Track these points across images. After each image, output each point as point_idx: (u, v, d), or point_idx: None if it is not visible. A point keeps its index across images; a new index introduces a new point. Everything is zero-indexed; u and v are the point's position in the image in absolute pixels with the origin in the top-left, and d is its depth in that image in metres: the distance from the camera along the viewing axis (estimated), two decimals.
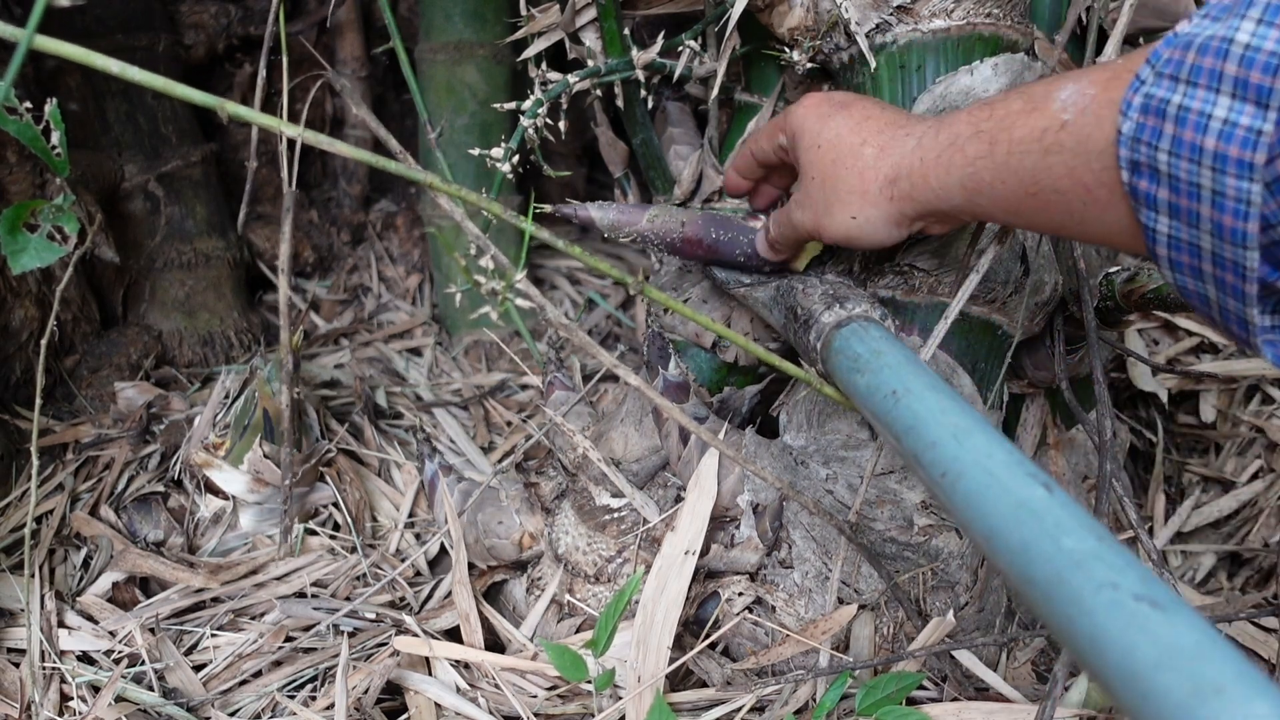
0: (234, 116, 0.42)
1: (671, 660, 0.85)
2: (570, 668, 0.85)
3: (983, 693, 0.88)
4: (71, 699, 0.93)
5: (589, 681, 0.86)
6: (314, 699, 0.94)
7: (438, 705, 0.91)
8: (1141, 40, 1.04)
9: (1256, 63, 0.35)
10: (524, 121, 0.89)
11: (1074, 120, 0.44)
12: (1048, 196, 0.47)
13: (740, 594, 0.93)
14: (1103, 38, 0.88)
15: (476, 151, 0.94)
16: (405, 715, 0.91)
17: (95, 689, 0.94)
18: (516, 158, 0.90)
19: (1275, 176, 0.36)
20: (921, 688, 0.88)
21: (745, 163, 0.80)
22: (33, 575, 1.02)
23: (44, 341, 0.78)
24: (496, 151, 0.89)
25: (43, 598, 1.02)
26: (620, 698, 0.90)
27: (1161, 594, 0.33)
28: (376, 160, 0.46)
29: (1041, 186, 0.47)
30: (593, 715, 0.88)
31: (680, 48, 0.96)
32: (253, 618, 1.05)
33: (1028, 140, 0.47)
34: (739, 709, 0.86)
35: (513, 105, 0.93)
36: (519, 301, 0.58)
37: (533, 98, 0.90)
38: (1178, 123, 0.38)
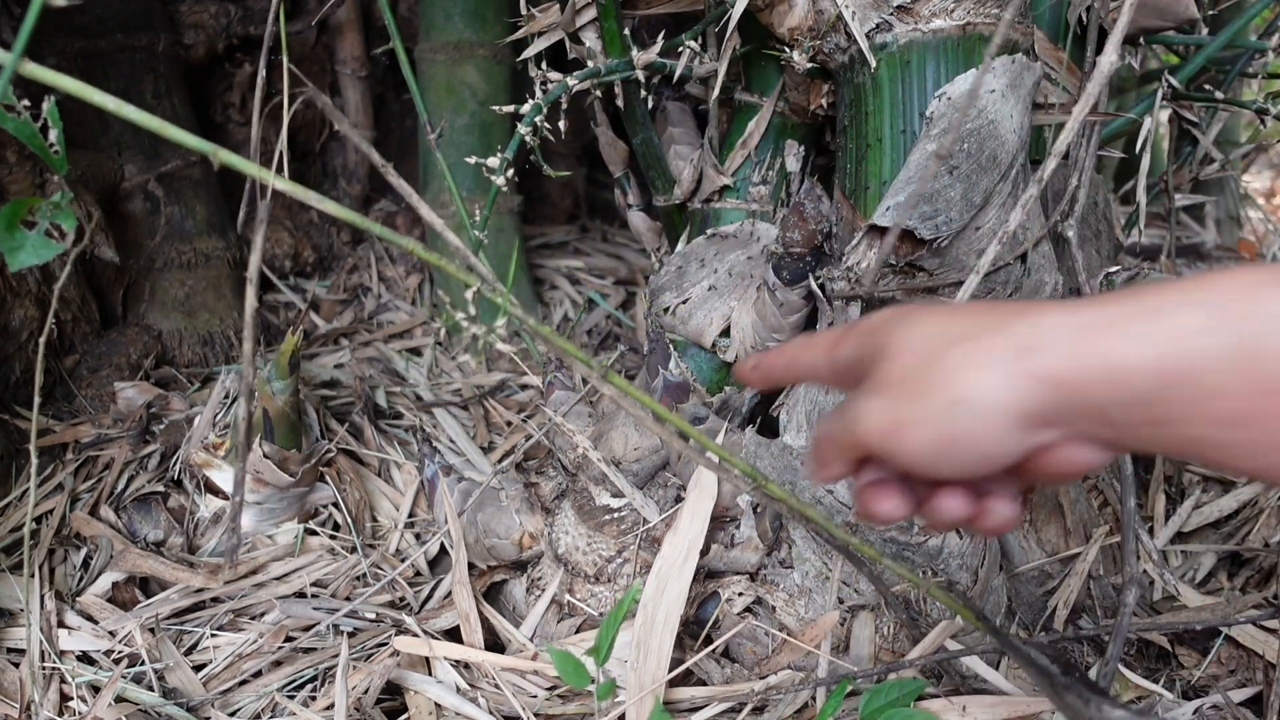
0: (225, 164, 0.41)
1: (673, 664, 0.85)
2: (573, 674, 0.85)
3: (982, 693, 0.88)
4: (71, 699, 0.93)
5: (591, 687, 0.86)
6: (314, 699, 0.94)
7: (438, 705, 0.91)
8: (1142, 40, 1.04)
9: None
10: (521, 128, 0.89)
11: None
12: None
13: (740, 594, 0.93)
14: (1103, 37, 0.88)
15: (473, 160, 0.94)
16: (405, 715, 0.91)
17: (95, 689, 0.94)
18: (511, 171, 0.90)
19: None
20: (924, 696, 0.88)
21: (781, 365, 0.54)
22: (33, 575, 1.02)
23: (43, 341, 0.78)
24: (493, 161, 0.89)
25: (43, 598, 1.02)
26: (620, 698, 0.89)
27: None
28: (362, 222, 0.46)
29: None
30: (593, 716, 0.87)
31: (680, 48, 0.96)
32: (253, 618, 1.05)
33: None
34: (737, 709, 0.86)
35: (512, 108, 0.93)
36: (500, 346, 0.57)
37: (530, 103, 0.90)
38: None
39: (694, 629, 0.94)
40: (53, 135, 0.61)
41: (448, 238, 0.48)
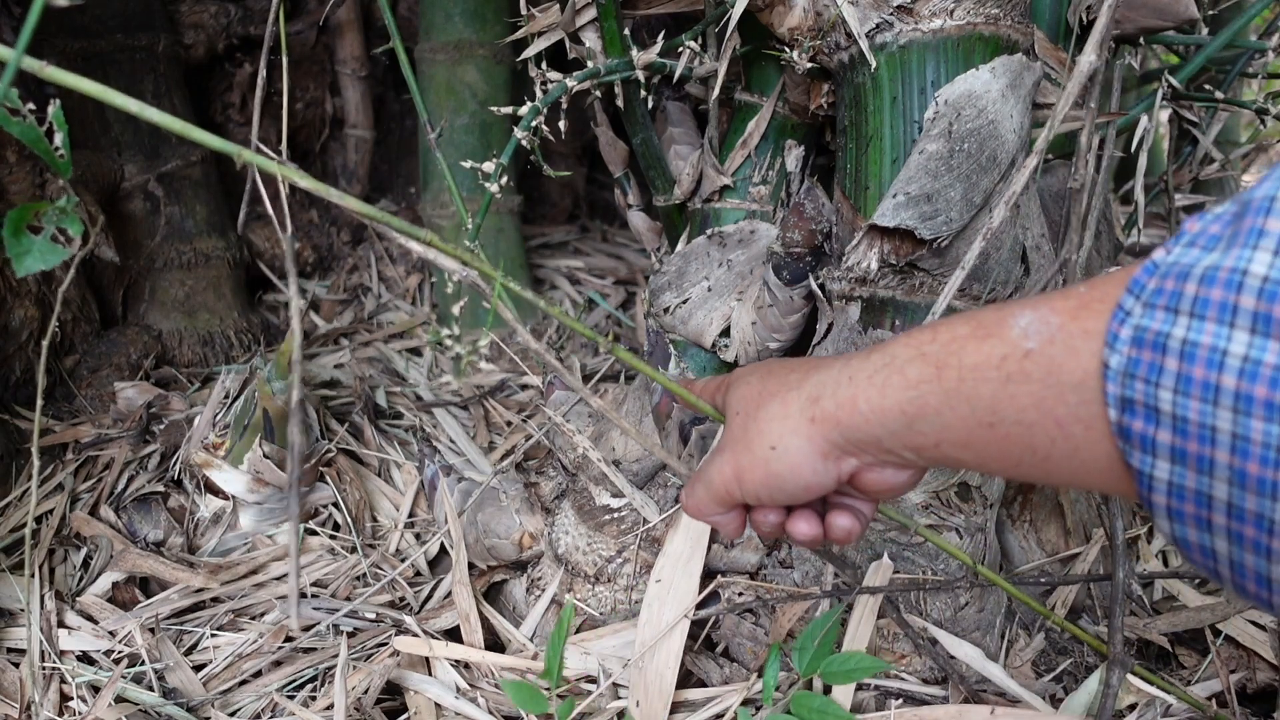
0: (248, 162, 0.41)
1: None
2: (529, 701, 0.85)
3: (982, 694, 0.88)
4: (71, 699, 0.93)
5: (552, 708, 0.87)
6: (314, 699, 0.94)
7: (438, 705, 0.91)
8: (1142, 40, 1.04)
9: None
10: (518, 132, 0.89)
11: (1039, 350, 0.40)
12: (1008, 429, 0.42)
13: (740, 594, 0.93)
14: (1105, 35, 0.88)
15: (469, 164, 0.94)
16: (405, 715, 0.91)
17: (95, 689, 0.94)
18: (505, 177, 0.90)
19: None
20: (926, 700, 0.88)
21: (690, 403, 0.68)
22: (33, 575, 1.02)
23: (44, 341, 0.78)
24: (488, 166, 0.89)
25: (43, 598, 1.02)
26: (621, 697, 0.90)
27: None
28: (375, 214, 0.46)
29: (1001, 417, 0.42)
30: (593, 715, 0.88)
31: (680, 48, 0.96)
32: (253, 618, 1.05)
33: (984, 367, 0.42)
34: (731, 706, 0.86)
35: (511, 110, 0.93)
36: (483, 365, 0.57)
37: (528, 106, 0.90)
38: (1183, 358, 0.34)
39: (694, 629, 0.94)
40: (58, 139, 0.61)
41: (442, 263, 0.49)
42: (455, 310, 0.54)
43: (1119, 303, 0.37)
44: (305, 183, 0.41)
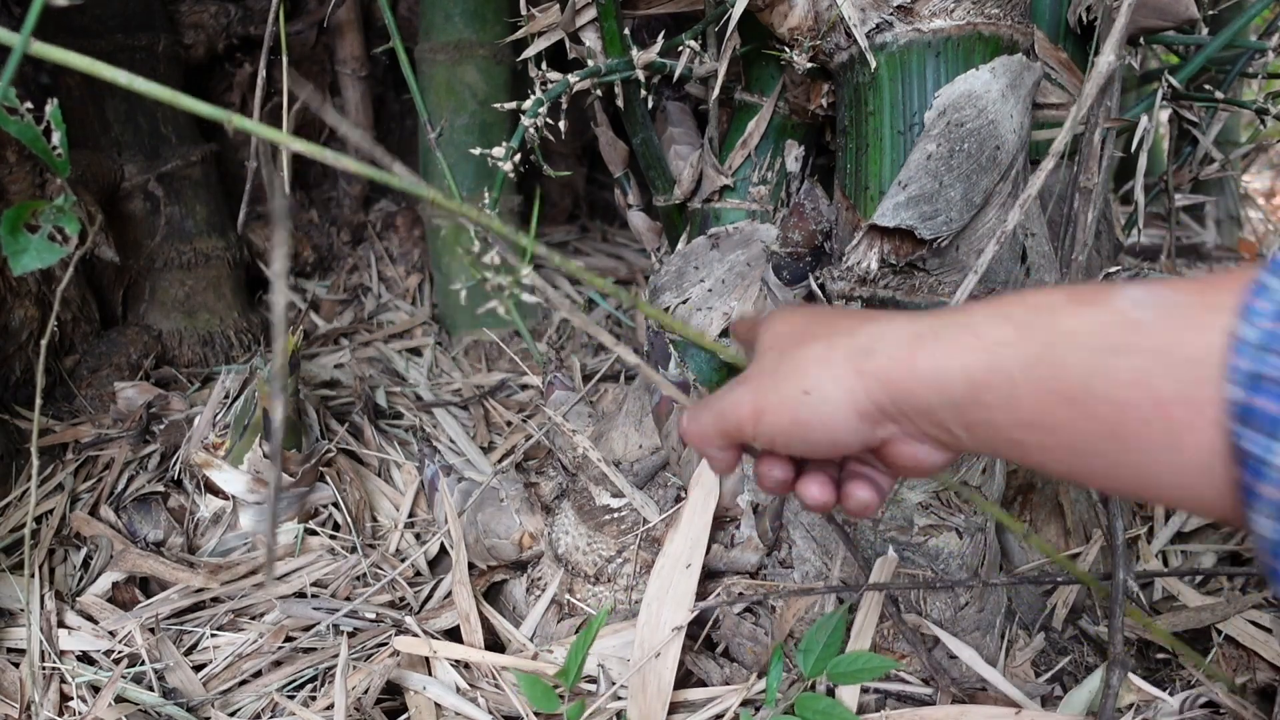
0: (240, 129, 0.42)
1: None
2: (541, 698, 0.85)
3: (980, 692, 0.88)
4: (71, 699, 0.93)
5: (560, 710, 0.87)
6: (314, 699, 0.94)
7: (438, 705, 0.91)
8: (1142, 40, 1.04)
9: None
10: (524, 121, 0.89)
11: (1154, 320, 0.36)
12: (1095, 406, 0.37)
13: (741, 594, 0.93)
14: (1103, 37, 0.88)
15: (477, 151, 0.94)
16: (405, 715, 0.91)
17: (95, 689, 0.94)
18: (518, 157, 0.90)
19: None
20: (926, 702, 0.88)
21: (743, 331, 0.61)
22: (33, 575, 1.02)
23: (44, 341, 0.78)
24: (498, 150, 0.89)
25: (43, 598, 1.02)
26: (621, 698, 0.90)
27: None
28: (379, 175, 0.46)
29: (1090, 392, 0.37)
30: (593, 715, 0.88)
31: (680, 48, 0.96)
32: (253, 618, 1.05)
33: (1080, 333, 0.37)
34: (731, 706, 0.86)
35: (513, 105, 0.93)
36: (525, 296, 0.56)
37: (533, 98, 0.90)
38: None
39: (694, 629, 0.94)
40: (55, 138, 0.61)
41: (475, 216, 0.48)
42: (490, 259, 0.54)
43: (1256, 279, 0.34)
44: (299, 146, 0.41)
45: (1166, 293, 0.37)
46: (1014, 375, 0.39)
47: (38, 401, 0.79)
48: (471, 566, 1.05)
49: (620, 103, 0.98)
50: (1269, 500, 0.33)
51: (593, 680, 0.93)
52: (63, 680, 0.95)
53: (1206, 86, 1.06)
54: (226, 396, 1.20)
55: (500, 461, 1.31)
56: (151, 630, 1.01)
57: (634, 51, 0.94)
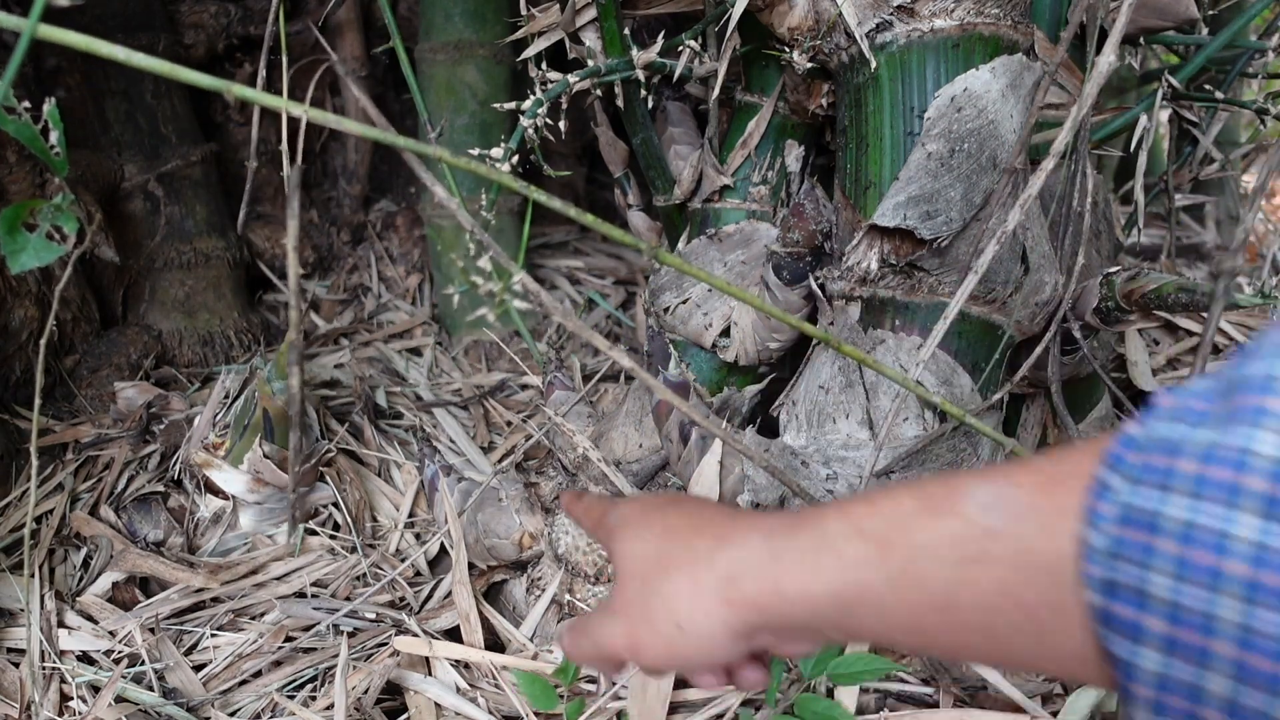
0: (240, 98, 0.42)
1: None
2: (540, 697, 0.85)
3: (981, 691, 0.88)
4: (71, 699, 0.93)
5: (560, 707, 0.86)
6: (314, 699, 0.94)
7: (438, 705, 0.91)
8: (1142, 40, 1.04)
9: None
10: (524, 121, 0.89)
11: (1005, 529, 0.37)
12: (965, 615, 0.38)
13: None
14: (1103, 38, 0.88)
15: (476, 151, 0.94)
16: (405, 715, 0.91)
17: (95, 689, 0.94)
18: (515, 158, 0.90)
19: None
20: (926, 703, 0.88)
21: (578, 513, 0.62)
22: (33, 575, 1.02)
23: (44, 341, 0.78)
24: (496, 151, 0.89)
25: (43, 598, 1.02)
26: (621, 697, 0.90)
27: None
28: (384, 136, 0.46)
29: (957, 602, 0.38)
30: (593, 716, 0.88)
31: (680, 48, 0.96)
32: (253, 618, 1.05)
33: (937, 546, 0.39)
34: (731, 706, 0.86)
35: (513, 105, 0.93)
36: (517, 303, 0.57)
37: (533, 98, 0.90)
38: (1182, 540, 0.32)
39: None
40: (53, 137, 0.61)
41: (463, 218, 0.48)
42: (483, 263, 0.54)
43: (1096, 477, 0.35)
44: (299, 110, 0.41)
45: (1013, 494, 0.37)
46: (880, 592, 0.40)
47: (37, 401, 0.79)
48: (471, 566, 1.05)
49: (620, 103, 0.98)
50: (1143, 699, 0.34)
51: (593, 680, 0.93)
52: (63, 680, 0.94)
53: (1206, 86, 1.05)
54: (226, 396, 1.21)
55: (500, 461, 1.31)
56: (151, 630, 1.01)
57: (634, 51, 0.94)
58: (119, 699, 0.92)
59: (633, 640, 0.50)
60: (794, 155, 1.03)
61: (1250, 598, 0.30)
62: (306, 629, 1.02)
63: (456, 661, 0.95)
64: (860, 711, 0.86)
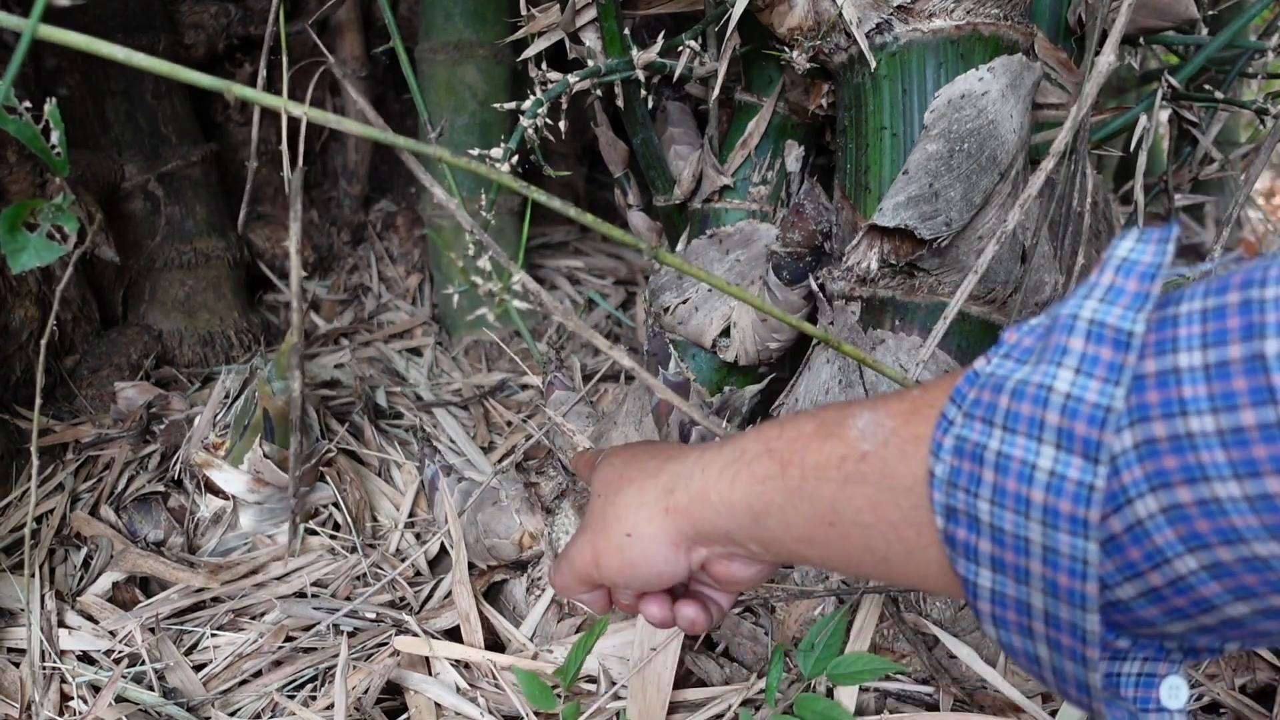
0: (240, 98, 0.42)
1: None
2: (539, 697, 0.86)
3: (980, 691, 0.88)
4: (71, 699, 0.93)
5: (557, 709, 0.87)
6: (314, 699, 0.94)
7: (438, 705, 0.91)
8: (1142, 40, 1.04)
9: (1081, 414, 0.33)
10: (524, 122, 0.89)
11: (875, 452, 0.41)
12: (848, 529, 0.42)
13: (741, 594, 0.93)
14: (1103, 38, 0.88)
15: (476, 151, 0.94)
16: (405, 715, 0.91)
17: (95, 689, 0.94)
18: (515, 158, 0.90)
19: (1109, 535, 0.33)
20: (926, 703, 0.88)
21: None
22: (33, 575, 1.02)
23: (44, 341, 0.78)
24: (496, 151, 0.89)
25: (43, 598, 1.02)
26: (621, 697, 0.90)
27: None
28: (384, 136, 0.46)
29: (841, 517, 0.42)
30: (593, 716, 0.88)
31: (680, 48, 0.96)
32: (253, 618, 1.05)
33: (824, 466, 0.43)
34: (732, 706, 0.86)
35: (513, 105, 0.93)
36: (517, 303, 0.57)
37: (533, 98, 0.90)
38: (998, 470, 0.35)
39: None
40: (54, 137, 0.61)
41: (462, 218, 0.48)
42: (483, 263, 0.54)
43: (942, 411, 0.38)
44: (299, 110, 0.42)
45: (884, 420, 0.41)
46: (782, 504, 0.45)
47: (37, 401, 0.79)
48: (471, 566, 1.05)
49: (620, 103, 0.98)
50: (984, 613, 0.38)
51: (593, 680, 0.93)
52: (63, 680, 0.95)
53: (1206, 86, 1.06)
54: (226, 396, 1.20)
55: (500, 461, 1.31)
56: (152, 630, 1.01)
57: (634, 51, 0.94)
58: (119, 699, 0.92)
59: (595, 551, 0.56)
60: (794, 155, 1.03)
61: (1050, 522, 0.34)
62: (306, 629, 1.02)
63: (456, 661, 0.95)
64: (860, 711, 0.86)
